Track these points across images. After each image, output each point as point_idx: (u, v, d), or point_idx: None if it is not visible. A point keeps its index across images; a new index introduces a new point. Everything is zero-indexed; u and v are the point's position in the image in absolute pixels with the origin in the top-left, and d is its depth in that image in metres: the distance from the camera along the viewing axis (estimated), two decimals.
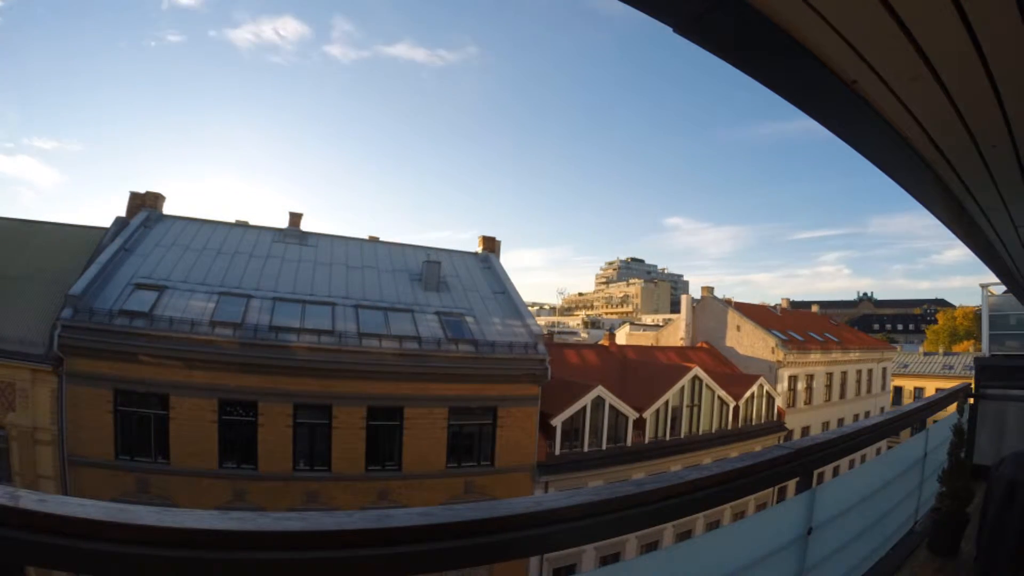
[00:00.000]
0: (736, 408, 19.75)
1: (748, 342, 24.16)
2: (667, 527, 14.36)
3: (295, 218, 17.88)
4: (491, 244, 20.23)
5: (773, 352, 23.14)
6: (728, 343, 24.97)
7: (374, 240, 19.10)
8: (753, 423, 20.68)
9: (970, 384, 5.29)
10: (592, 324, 58.65)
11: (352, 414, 12.86)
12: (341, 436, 12.78)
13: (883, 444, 3.31)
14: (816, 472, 1.99)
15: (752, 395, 20.55)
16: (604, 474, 15.65)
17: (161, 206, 16.50)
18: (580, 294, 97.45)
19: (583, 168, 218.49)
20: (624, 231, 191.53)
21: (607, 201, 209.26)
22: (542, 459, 14.75)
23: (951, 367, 34.13)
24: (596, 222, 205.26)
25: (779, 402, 22.23)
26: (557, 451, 15.13)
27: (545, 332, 20.20)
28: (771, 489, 2.53)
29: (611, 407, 16.10)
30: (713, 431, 19.07)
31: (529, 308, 17.35)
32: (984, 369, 5.54)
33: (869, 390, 28.68)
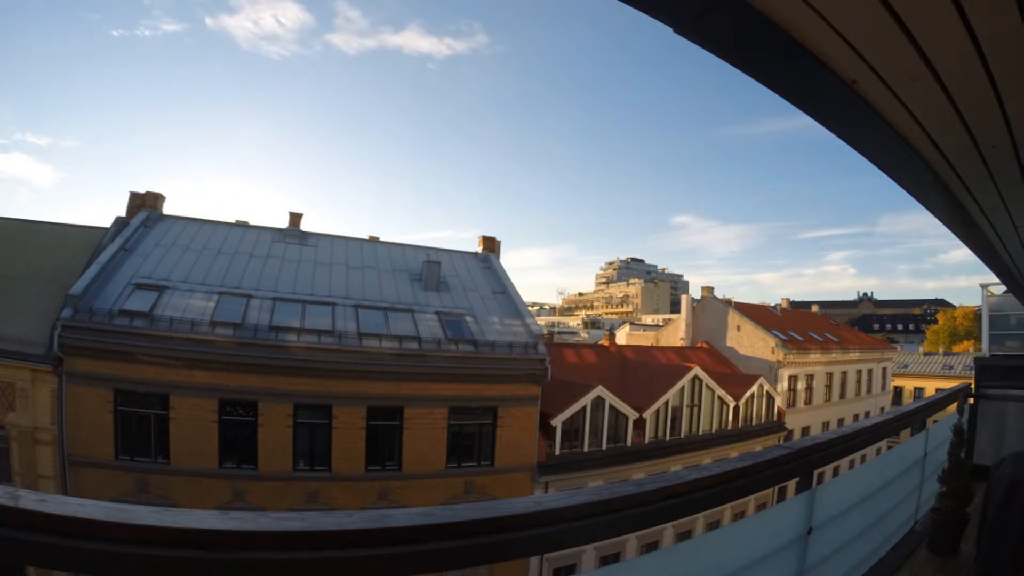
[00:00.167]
0: (736, 408, 19.76)
1: (748, 342, 24.17)
2: (667, 527, 14.37)
3: (295, 218, 17.88)
4: (491, 244, 20.23)
5: (773, 352, 23.15)
6: (728, 343, 24.97)
7: (374, 240, 19.11)
8: (753, 423, 20.68)
9: (970, 384, 5.29)
10: (592, 324, 58.67)
11: (352, 414, 12.86)
12: (341, 436, 12.78)
13: (883, 444, 3.31)
14: (816, 472, 1.99)
15: (752, 395, 20.55)
16: (604, 474, 15.65)
17: (161, 206, 16.50)
18: (580, 294, 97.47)
19: (588, 167, 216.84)
20: (630, 230, 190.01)
21: (612, 200, 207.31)
22: (542, 459, 14.75)
23: (951, 367, 34.14)
24: (601, 221, 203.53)
25: (779, 402, 22.23)
26: (557, 451, 15.13)
27: (545, 332, 20.20)
28: (771, 489, 2.53)
29: (611, 407, 16.10)
30: (713, 431, 19.07)
31: (529, 308, 17.35)
32: (984, 369, 5.54)
33: (869, 390, 28.68)
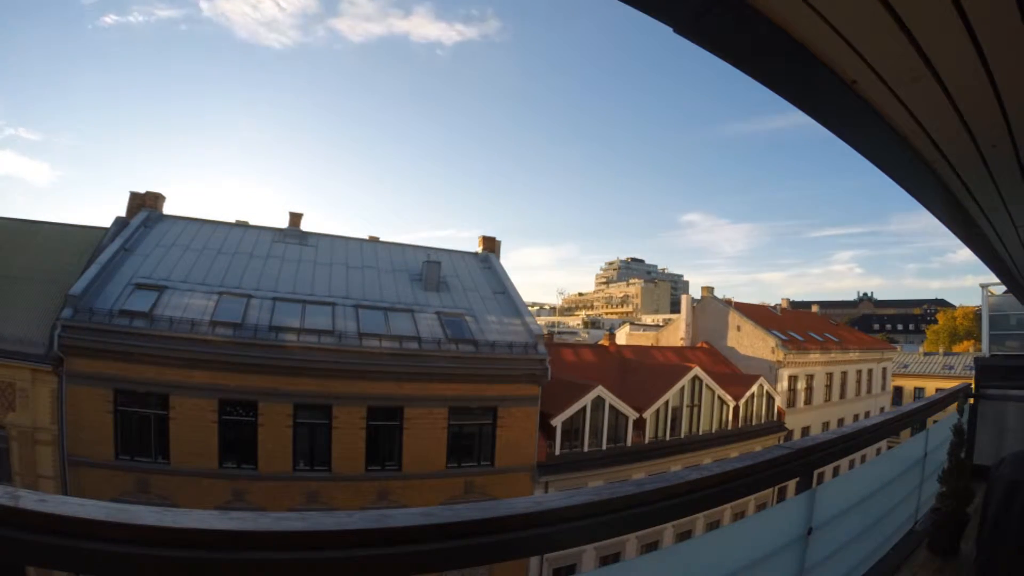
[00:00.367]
0: (736, 408, 19.76)
1: (748, 342, 24.17)
2: (667, 527, 14.37)
3: (295, 218, 17.89)
4: (491, 244, 20.24)
5: (773, 352, 23.15)
6: (728, 343, 24.98)
7: (374, 240, 19.11)
8: (753, 423, 20.68)
9: (970, 384, 5.29)
10: (592, 324, 58.67)
11: (352, 414, 12.86)
12: (341, 436, 12.78)
13: (883, 444, 3.31)
14: (816, 472, 1.99)
15: (752, 395, 20.55)
16: (604, 474, 15.66)
17: (161, 206, 16.51)
18: (580, 294, 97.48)
19: (593, 166, 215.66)
20: (636, 229, 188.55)
21: (618, 199, 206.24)
22: (542, 459, 14.75)
23: (951, 367, 34.14)
24: (606, 221, 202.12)
25: (779, 402, 22.23)
26: (557, 451, 15.13)
27: (545, 332, 20.20)
28: (771, 489, 2.53)
29: (611, 407, 16.10)
30: (713, 431, 19.08)
31: (529, 308, 17.35)
32: (984, 369, 5.54)
33: (869, 390, 28.68)
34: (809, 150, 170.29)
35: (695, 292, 28.68)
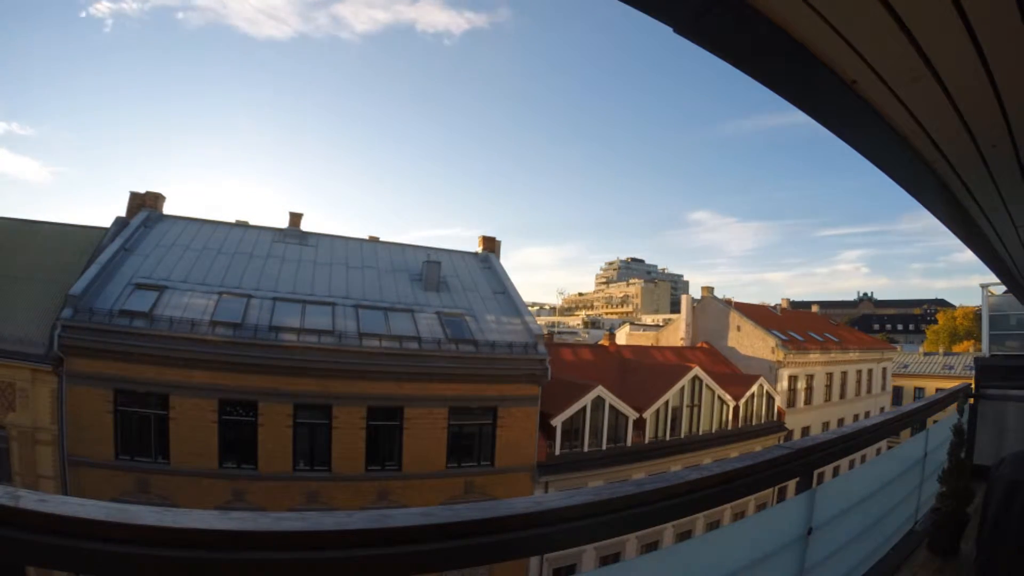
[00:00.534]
0: (736, 408, 19.76)
1: (748, 342, 24.17)
2: (667, 527, 14.37)
3: (295, 218, 17.89)
4: (491, 244, 20.24)
5: (773, 352, 23.15)
6: (729, 343, 24.98)
7: (374, 240, 19.11)
8: (753, 423, 20.68)
9: (970, 384, 5.29)
10: (592, 324, 58.67)
11: (352, 414, 12.86)
12: (341, 436, 12.78)
13: (883, 444, 3.31)
14: (816, 472, 1.99)
15: (752, 395, 20.55)
16: (604, 474, 15.66)
17: (161, 206, 16.51)
18: (580, 294, 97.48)
19: (598, 164, 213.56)
20: (643, 228, 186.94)
21: (624, 197, 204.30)
22: (542, 459, 14.76)
23: (951, 367, 34.14)
24: (611, 220, 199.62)
25: (779, 402, 22.24)
26: (557, 451, 15.13)
27: (545, 332, 20.21)
28: (771, 489, 2.53)
29: (611, 407, 16.10)
30: (713, 431, 19.08)
31: (529, 308, 17.35)
32: (984, 369, 5.54)
33: (869, 390, 28.69)
34: (822, 147, 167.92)
35: (695, 292, 28.69)
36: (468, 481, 13.88)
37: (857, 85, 1.37)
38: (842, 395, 26.49)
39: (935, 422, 3.62)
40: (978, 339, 37.40)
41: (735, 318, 24.86)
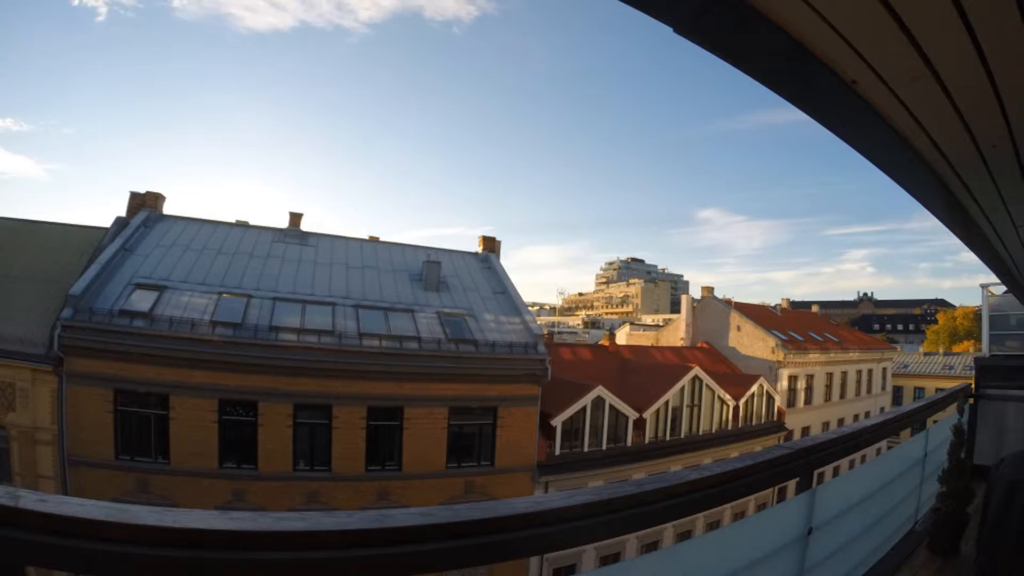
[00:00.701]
0: (736, 408, 19.76)
1: (748, 342, 24.18)
2: (667, 527, 14.37)
3: (295, 218, 17.89)
4: (491, 244, 20.24)
5: (773, 352, 23.15)
6: (729, 343, 24.98)
7: (374, 240, 19.12)
8: (753, 423, 20.68)
9: (970, 384, 5.29)
10: (592, 324, 58.70)
11: (352, 414, 12.86)
12: (341, 436, 12.78)
13: (883, 444, 3.31)
14: (816, 472, 1.99)
15: (752, 395, 20.55)
16: (604, 474, 15.65)
17: (161, 206, 16.51)
18: (580, 294, 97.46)
19: (605, 163, 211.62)
20: (651, 226, 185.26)
21: (631, 196, 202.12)
22: (542, 459, 14.76)
23: (951, 367, 34.13)
24: (619, 218, 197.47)
25: (779, 402, 22.24)
26: (557, 451, 15.13)
27: (545, 332, 20.21)
28: (771, 489, 2.53)
29: (611, 407, 16.10)
30: (713, 431, 19.08)
31: (529, 308, 17.36)
32: (984, 369, 5.54)
33: (869, 390, 28.69)
34: (838, 142, 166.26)
35: (696, 292, 28.69)
36: (468, 481, 13.88)
37: (857, 85, 1.37)
38: (842, 395, 26.49)
39: (935, 422, 3.62)
40: (978, 339, 37.39)
41: (735, 318, 24.86)
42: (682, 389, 18.16)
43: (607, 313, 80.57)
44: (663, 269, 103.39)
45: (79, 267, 13.18)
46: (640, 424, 16.90)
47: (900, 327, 71.69)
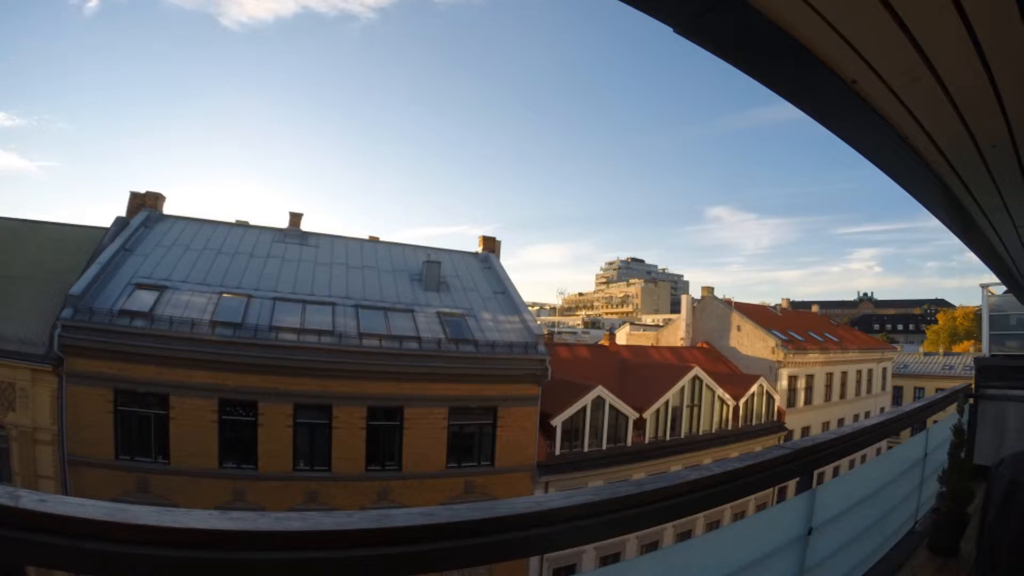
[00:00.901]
0: (736, 408, 19.76)
1: (748, 342, 24.17)
2: (667, 527, 14.37)
3: (295, 218, 17.89)
4: (491, 244, 20.24)
5: (773, 352, 23.15)
6: (729, 343, 24.98)
7: (374, 240, 19.12)
8: (753, 423, 20.68)
9: (970, 384, 5.29)
10: (592, 324, 58.68)
11: (352, 414, 12.86)
12: (341, 436, 12.78)
13: (883, 444, 3.31)
14: (816, 472, 1.99)
15: (752, 395, 20.55)
16: (604, 474, 15.65)
17: (161, 206, 16.51)
18: (580, 294, 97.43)
19: (613, 160, 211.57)
20: (657, 226, 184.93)
21: (638, 195, 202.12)
22: (542, 459, 14.75)
23: (951, 367, 34.12)
24: (627, 217, 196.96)
25: (779, 402, 22.23)
26: (557, 451, 15.13)
27: (545, 332, 20.21)
28: (771, 489, 2.54)
29: (611, 407, 16.10)
30: (713, 431, 19.07)
31: (529, 308, 17.35)
32: (984, 369, 5.54)
33: (869, 390, 28.69)
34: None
35: (696, 292, 28.68)
36: (468, 481, 13.87)
37: (857, 85, 1.37)
38: (842, 395, 26.48)
39: (935, 422, 3.63)
40: (978, 339, 37.37)
41: (735, 318, 24.86)
42: (682, 389, 18.16)
43: (607, 313, 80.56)
44: (663, 269, 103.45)
45: (79, 267, 13.18)
46: (640, 424, 16.89)
47: (900, 327, 71.69)
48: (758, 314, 25.79)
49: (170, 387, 11.76)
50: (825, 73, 1.31)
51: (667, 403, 17.70)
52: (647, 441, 17.03)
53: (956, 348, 43.23)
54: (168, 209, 16.67)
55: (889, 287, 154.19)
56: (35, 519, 0.80)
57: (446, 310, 15.41)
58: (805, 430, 23.16)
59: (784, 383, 23.00)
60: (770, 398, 21.59)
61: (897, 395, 32.69)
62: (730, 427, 19.59)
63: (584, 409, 15.62)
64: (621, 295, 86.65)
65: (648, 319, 60.59)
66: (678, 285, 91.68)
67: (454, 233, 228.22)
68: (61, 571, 0.84)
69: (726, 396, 19.32)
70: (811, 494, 1.93)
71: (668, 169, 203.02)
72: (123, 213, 15.74)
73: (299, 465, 12.62)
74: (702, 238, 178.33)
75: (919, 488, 3.34)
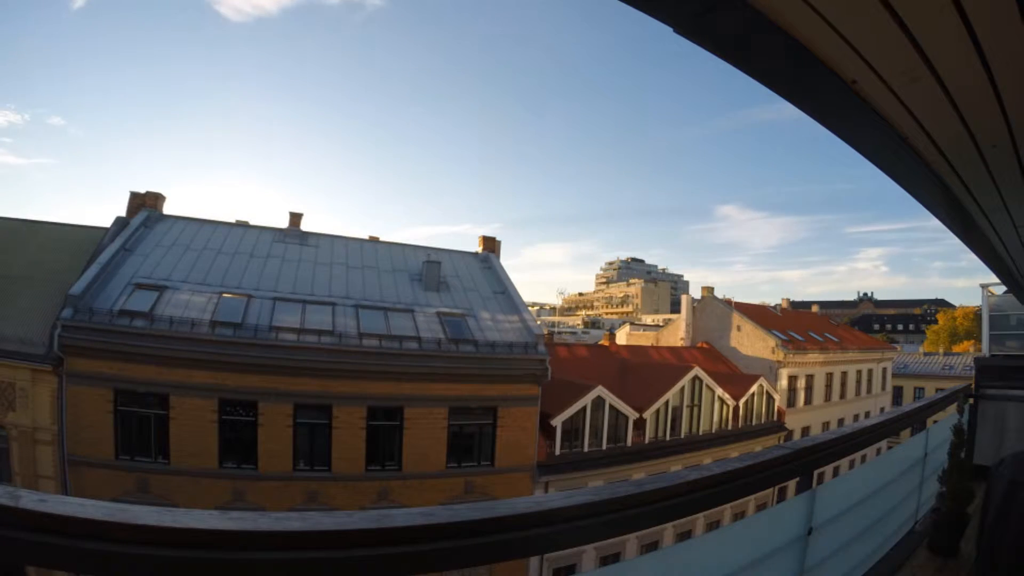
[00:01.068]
0: (736, 408, 19.75)
1: (748, 342, 24.17)
2: (667, 527, 14.36)
3: (295, 218, 17.89)
4: (491, 244, 20.24)
5: (773, 352, 23.15)
6: (730, 343, 24.98)
7: (374, 240, 19.12)
8: (753, 423, 20.68)
9: (970, 384, 5.29)
10: (592, 324, 58.69)
11: (352, 414, 12.86)
12: (341, 436, 12.78)
13: (883, 444, 3.31)
14: (816, 472, 1.99)
15: (752, 395, 20.55)
16: (604, 474, 15.65)
17: (161, 206, 16.51)
18: (580, 294, 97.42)
19: (620, 155, 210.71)
20: (665, 224, 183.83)
21: (644, 194, 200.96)
22: (542, 459, 14.75)
23: (951, 367, 34.11)
24: (632, 215, 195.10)
25: (779, 402, 22.23)
26: (557, 451, 15.13)
27: (545, 332, 20.21)
28: (771, 489, 2.53)
29: (611, 407, 16.10)
30: (713, 431, 19.07)
31: (529, 308, 17.35)
32: (984, 369, 5.53)
33: (869, 390, 28.68)
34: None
35: (696, 292, 28.68)
36: (468, 481, 13.87)
37: (857, 85, 1.37)
38: (842, 395, 26.48)
39: (935, 422, 3.63)
40: (978, 339, 37.36)
41: (735, 318, 24.86)
42: (682, 389, 18.16)
43: (607, 313, 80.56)
44: (663, 269, 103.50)
45: (79, 267, 13.18)
46: (640, 424, 16.89)
47: (900, 327, 71.69)
48: (758, 314, 25.78)
49: (170, 387, 11.75)
50: (825, 73, 1.31)
51: (667, 403, 17.70)
52: (647, 441, 17.02)
53: (956, 348, 43.24)
54: (168, 209, 16.68)
55: (894, 287, 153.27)
56: (35, 519, 0.79)
57: (446, 310, 15.41)
58: (805, 430, 23.15)
59: (784, 383, 23.00)
60: (770, 398, 21.59)
61: (897, 395, 32.68)
62: (730, 427, 19.59)
63: (584, 409, 15.62)
64: (621, 295, 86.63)
65: (648, 319, 60.58)
66: (678, 285, 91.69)
67: (455, 232, 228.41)
68: (61, 571, 0.84)
69: (726, 396, 19.32)
70: (811, 494, 1.93)
71: (675, 168, 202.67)
72: (123, 213, 15.74)
73: (299, 465, 12.62)
74: (711, 236, 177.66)
75: (919, 488, 3.34)
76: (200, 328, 12.01)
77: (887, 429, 2.72)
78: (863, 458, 3.27)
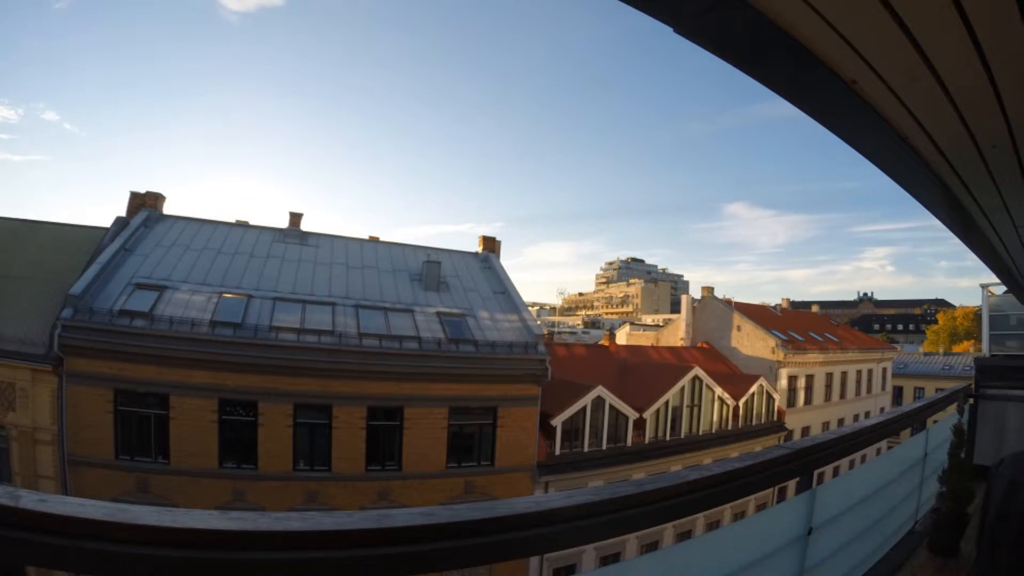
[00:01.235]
0: (736, 408, 19.75)
1: (748, 342, 24.17)
2: (667, 527, 14.36)
3: (295, 218, 17.89)
4: (491, 244, 20.24)
5: (773, 352, 23.14)
6: (730, 343, 24.98)
7: (374, 240, 19.12)
8: (753, 423, 20.68)
9: (970, 384, 5.29)
10: (592, 324, 58.68)
11: (352, 414, 12.86)
12: (341, 436, 12.78)
13: (883, 444, 3.31)
14: (816, 472, 1.99)
15: (752, 395, 20.55)
16: (604, 474, 15.65)
17: (161, 206, 16.51)
18: (580, 294, 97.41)
19: (620, 157, 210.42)
20: (671, 223, 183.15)
21: (650, 193, 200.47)
22: (542, 459, 14.75)
23: (951, 367, 34.10)
24: (637, 214, 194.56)
25: (779, 402, 22.23)
26: (557, 451, 15.13)
27: (545, 332, 20.20)
28: (771, 489, 2.54)
29: (611, 407, 16.10)
30: (713, 431, 19.07)
31: (529, 308, 17.35)
32: (984, 369, 5.53)
33: (869, 390, 28.68)
34: None
35: (696, 292, 28.68)
36: (468, 481, 13.87)
37: (857, 85, 1.37)
38: (842, 395, 26.48)
39: (935, 422, 3.62)
40: (978, 339, 37.36)
41: (735, 318, 24.85)
42: (682, 389, 18.16)
43: (607, 313, 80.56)
44: (663, 269, 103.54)
45: (79, 267, 13.18)
46: (640, 424, 16.89)
47: (900, 327, 71.71)
48: (758, 314, 25.78)
49: (170, 387, 11.75)
50: (825, 73, 1.31)
51: (667, 403, 17.70)
52: (647, 441, 17.02)
53: (956, 348, 43.24)
54: (168, 209, 16.67)
55: (900, 287, 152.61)
56: (35, 519, 0.79)
57: (446, 310, 15.41)
58: (805, 430, 23.15)
59: (784, 383, 23.00)
60: (770, 398, 21.59)
61: (897, 395, 32.68)
62: (730, 427, 19.59)
63: (584, 409, 15.62)
64: (621, 295, 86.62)
65: (648, 319, 60.57)
66: (678, 285, 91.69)
67: (457, 231, 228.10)
68: (61, 571, 0.84)
69: (726, 396, 19.31)
70: (811, 494, 1.93)
71: (681, 164, 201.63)
72: (123, 213, 15.74)
73: (299, 465, 12.62)
74: (718, 235, 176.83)
75: (919, 488, 3.34)
76: (200, 328, 12.01)
77: (887, 429, 2.72)
78: (863, 458, 3.26)
